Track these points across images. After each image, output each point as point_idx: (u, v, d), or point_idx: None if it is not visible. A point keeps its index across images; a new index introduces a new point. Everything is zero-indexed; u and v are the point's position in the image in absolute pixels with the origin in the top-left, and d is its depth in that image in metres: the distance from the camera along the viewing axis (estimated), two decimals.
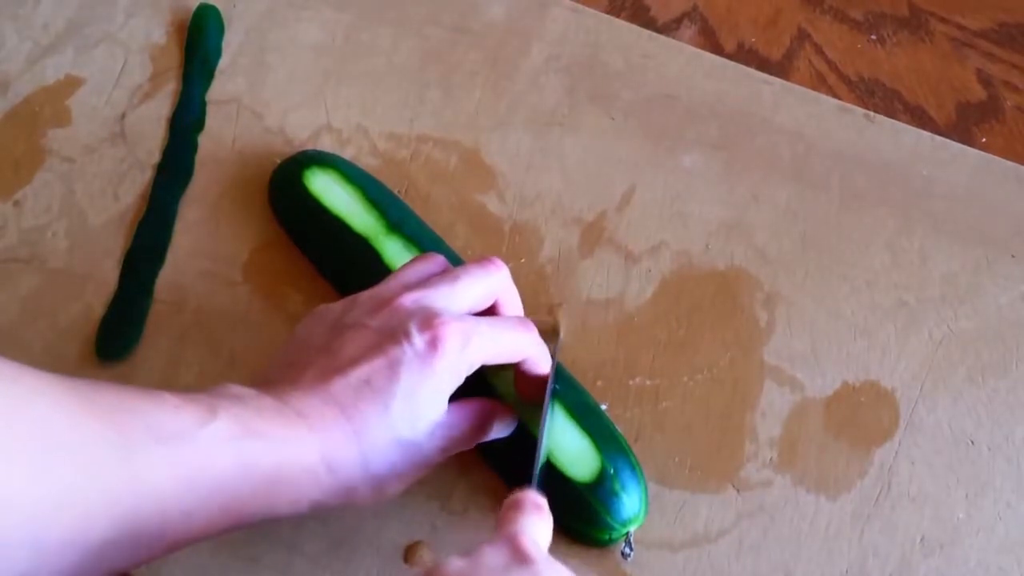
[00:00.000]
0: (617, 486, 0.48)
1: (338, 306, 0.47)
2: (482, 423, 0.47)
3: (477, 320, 0.45)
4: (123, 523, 0.37)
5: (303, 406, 0.42)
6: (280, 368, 0.46)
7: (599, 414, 0.51)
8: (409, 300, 0.45)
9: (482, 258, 0.48)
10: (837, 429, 0.52)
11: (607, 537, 0.48)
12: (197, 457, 0.39)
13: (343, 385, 0.43)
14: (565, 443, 0.49)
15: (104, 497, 0.36)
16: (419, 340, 0.43)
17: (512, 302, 0.49)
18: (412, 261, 0.50)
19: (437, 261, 0.49)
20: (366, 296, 0.47)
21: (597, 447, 0.49)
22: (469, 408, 0.47)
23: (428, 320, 0.44)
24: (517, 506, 0.40)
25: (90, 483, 0.36)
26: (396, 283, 0.47)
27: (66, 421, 0.36)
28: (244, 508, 0.41)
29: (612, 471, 0.48)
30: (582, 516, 0.48)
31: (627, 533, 0.48)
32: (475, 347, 0.44)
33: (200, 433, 0.39)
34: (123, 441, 0.37)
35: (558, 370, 0.50)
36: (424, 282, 0.47)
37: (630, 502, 0.48)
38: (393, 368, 0.43)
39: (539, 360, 0.48)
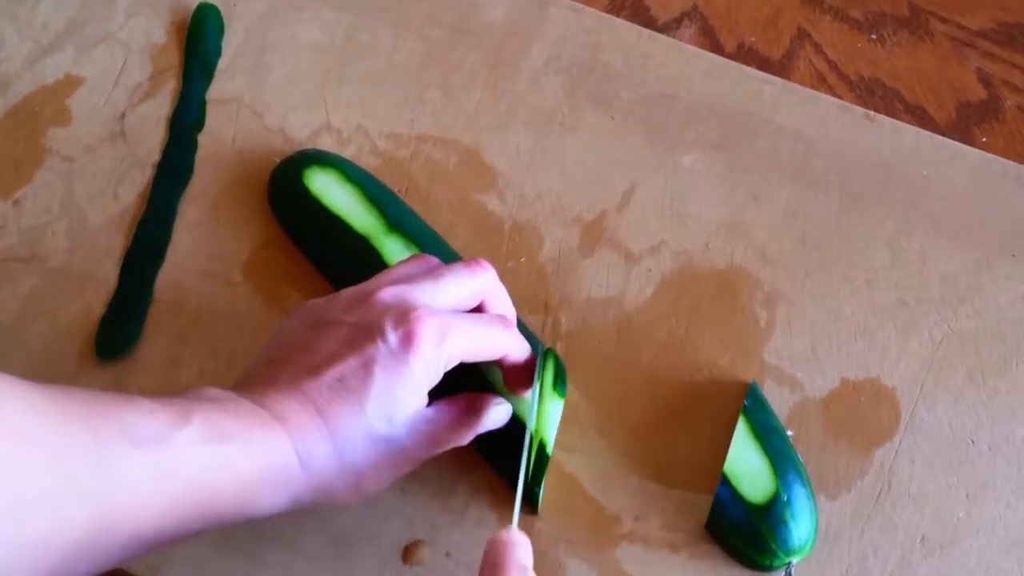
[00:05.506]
0: (788, 514, 0.47)
1: (321, 302, 0.47)
2: (468, 419, 0.47)
3: (454, 315, 0.45)
4: (98, 524, 0.37)
5: (279, 407, 0.42)
6: (262, 365, 0.46)
7: (784, 439, 0.50)
8: (388, 294, 0.45)
9: (469, 259, 0.48)
10: (837, 429, 0.52)
11: (768, 563, 0.48)
12: (172, 460, 0.39)
13: (318, 385, 0.43)
14: (743, 460, 0.48)
15: (79, 498, 0.37)
16: (393, 337, 0.43)
17: (499, 303, 0.48)
18: (404, 261, 0.49)
19: (429, 262, 0.49)
20: (348, 293, 0.46)
21: (775, 471, 0.48)
22: (453, 405, 0.46)
23: (403, 316, 0.43)
24: (500, 564, 0.39)
25: (65, 483, 0.36)
26: (381, 280, 0.47)
27: (41, 423, 0.36)
28: (220, 509, 0.41)
29: (785, 498, 0.47)
30: (747, 537, 0.47)
31: (789, 563, 0.47)
32: (451, 342, 0.44)
33: (175, 436, 0.39)
34: (98, 443, 0.37)
35: (555, 369, 0.50)
36: (407, 278, 0.46)
37: (798, 532, 0.47)
38: (367, 367, 0.43)
39: (518, 357, 0.47)
